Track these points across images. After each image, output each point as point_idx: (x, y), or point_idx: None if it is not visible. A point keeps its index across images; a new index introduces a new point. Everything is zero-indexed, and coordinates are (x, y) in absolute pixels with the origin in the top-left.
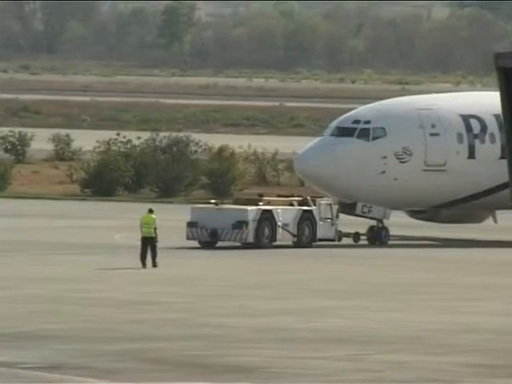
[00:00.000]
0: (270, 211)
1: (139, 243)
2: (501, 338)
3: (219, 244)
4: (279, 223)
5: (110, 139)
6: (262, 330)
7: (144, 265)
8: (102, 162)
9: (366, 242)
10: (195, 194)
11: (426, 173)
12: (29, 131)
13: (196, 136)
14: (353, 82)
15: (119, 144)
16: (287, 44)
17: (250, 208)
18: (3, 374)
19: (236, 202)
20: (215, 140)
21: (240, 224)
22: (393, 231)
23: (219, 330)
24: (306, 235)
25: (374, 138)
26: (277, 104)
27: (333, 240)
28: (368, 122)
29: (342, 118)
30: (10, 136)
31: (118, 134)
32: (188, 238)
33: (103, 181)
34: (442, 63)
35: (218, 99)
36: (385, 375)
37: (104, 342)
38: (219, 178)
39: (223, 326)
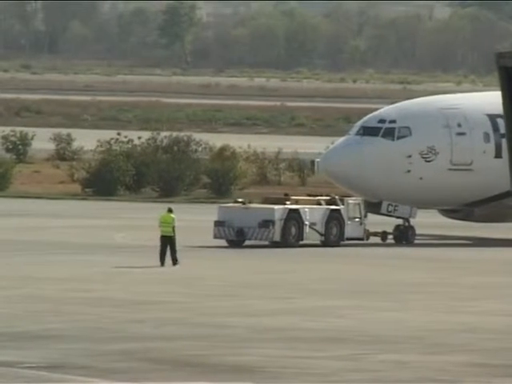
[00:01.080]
0: (296, 210)
1: (137, 243)
2: (501, 337)
3: (246, 243)
4: (306, 222)
5: (111, 139)
6: (262, 330)
7: (162, 263)
8: (103, 161)
9: (393, 241)
10: (196, 194)
11: (452, 172)
12: (30, 131)
13: (197, 135)
14: (354, 81)
15: (120, 143)
16: (288, 44)
17: (276, 207)
18: (4, 373)
19: (265, 202)
20: (216, 139)
21: (266, 223)
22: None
23: (219, 329)
24: (333, 234)
25: (399, 138)
26: (278, 104)
27: (361, 239)
28: (393, 122)
29: (367, 117)
30: (12, 135)
31: (118, 134)
32: (215, 237)
33: (104, 180)
34: (443, 63)
35: (219, 99)
36: (385, 375)
37: (104, 341)
38: (220, 177)
39: (223, 326)
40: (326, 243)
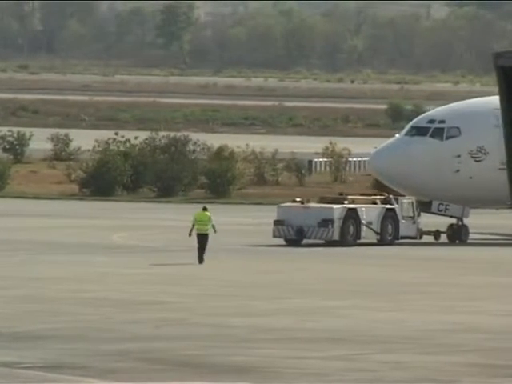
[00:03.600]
0: (354, 209)
1: (135, 243)
2: (498, 337)
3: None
4: (363, 221)
5: (109, 139)
6: (261, 330)
7: (200, 260)
8: (100, 161)
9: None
10: (194, 194)
11: (503, 171)
12: (27, 131)
13: (195, 135)
14: (352, 81)
15: (118, 144)
16: (286, 43)
17: (335, 206)
18: (1, 373)
19: (321, 201)
20: (214, 140)
21: (326, 222)
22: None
23: (218, 329)
24: (389, 233)
25: (448, 138)
26: (276, 103)
27: (414, 238)
28: (442, 122)
29: (418, 117)
30: (9, 136)
31: (116, 134)
32: (274, 236)
33: (102, 180)
34: (440, 62)
35: (216, 99)
36: (383, 375)
37: (103, 341)
38: (218, 177)
39: (222, 326)
40: (381, 242)
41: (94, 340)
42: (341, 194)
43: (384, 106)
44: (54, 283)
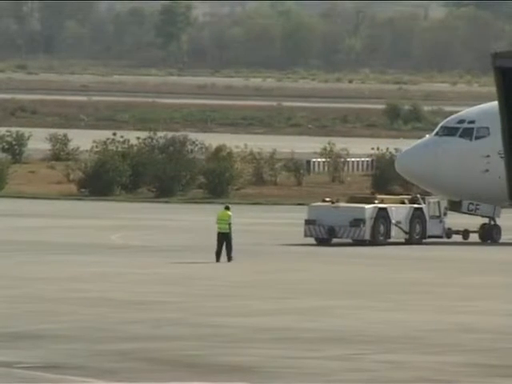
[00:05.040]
0: (385, 209)
1: (134, 243)
2: (497, 337)
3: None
4: (393, 221)
5: (107, 139)
6: (260, 330)
7: (218, 259)
8: (99, 161)
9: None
10: (192, 194)
11: None
12: (26, 131)
13: (193, 136)
14: (350, 81)
15: (116, 144)
16: (284, 44)
17: (367, 206)
18: (1, 373)
19: (351, 201)
20: (212, 140)
21: (357, 222)
22: None
23: (217, 329)
24: (416, 232)
25: (477, 138)
26: (274, 104)
27: (440, 237)
28: (472, 122)
29: (449, 118)
30: (7, 136)
31: (114, 134)
32: (306, 236)
33: (100, 181)
34: (438, 63)
35: (215, 99)
36: (383, 375)
37: (102, 341)
38: (216, 177)
39: (221, 326)
40: (409, 241)
41: (94, 340)
42: (373, 193)
43: (382, 106)
44: (53, 283)
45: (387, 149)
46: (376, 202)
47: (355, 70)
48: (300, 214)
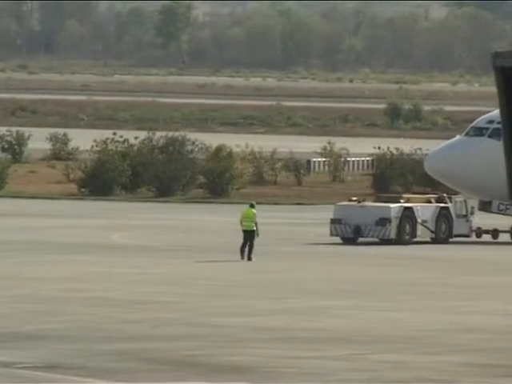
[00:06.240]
0: (410, 208)
1: (134, 243)
2: (498, 337)
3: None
4: (419, 220)
5: (107, 138)
6: (260, 330)
7: (242, 256)
8: (99, 161)
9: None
10: (192, 194)
11: None
12: (26, 131)
13: (193, 135)
14: (350, 81)
15: (116, 143)
16: (284, 43)
17: (392, 205)
18: (1, 373)
19: (377, 200)
20: (212, 139)
21: (383, 221)
22: None
23: (217, 329)
24: (443, 231)
25: None
26: (274, 103)
27: (467, 236)
28: None
29: (479, 118)
30: (8, 135)
31: (114, 134)
32: (332, 235)
33: (100, 180)
34: (439, 63)
35: (215, 98)
36: (383, 375)
37: (102, 341)
38: (217, 177)
39: (221, 326)
40: (435, 240)
41: (94, 340)
42: (399, 193)
43: (383, 106)
44: (53, 283)
45: (388, 148)
46: (401, 201)
47: (356, 70)
48: (300, 214)
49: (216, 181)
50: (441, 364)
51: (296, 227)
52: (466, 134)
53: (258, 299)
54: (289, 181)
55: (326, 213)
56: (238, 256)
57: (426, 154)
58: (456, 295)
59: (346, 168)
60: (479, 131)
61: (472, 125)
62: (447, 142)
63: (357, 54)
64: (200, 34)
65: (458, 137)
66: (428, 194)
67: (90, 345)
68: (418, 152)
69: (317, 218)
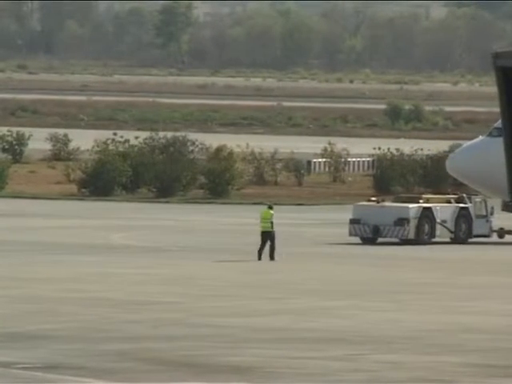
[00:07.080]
0: (429, 208)
1: (134, 243)
2: (497, 337)
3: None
4: (438, 220)
5: (108, 139)
6: (260, 330)
7: (260, 257)
8: (99, 161)
9: None
10: (193, 194)
11: None
12: (26, 131)
13: (193, 136)
14: (351, 81)
15: (116, 144)
16: (285, 44)
17: (411, 205)
18: (1, 374)
19: (397, 200)
20: (213, 140)
21: (402, 221)
22: None
23: (216, 329)
24: (462, 231)
25: None
26: (274, 104)
27: (487, 236)
28: None
29: None
30: (8, 135)
31: (114, 134)
32: (350, 235)
33: (100, 181)
34: (439, 63)
35: (215, 99)
36: (382, 375)
37: (101, 341)
38: (217, 177)
39: (220, 326)
40: (455, 240)
41: (93, 340)
42: (420, 194)
43: (383, 106)
44: (53, 283)
45: (388, 149)
46: (421, 201)
47: (356, 70)
48: (300, 215)
49: (216, 181)
50: (440, 364)
51: (296, 227)
52: (490, 135)
53: (258, 299)
54: (289, 181)
55: (327, 213)
56: (239, 256)
57: (448, 156)
58: (455, 295)
59: (346, 168)
60: (501, 132)
61: (495, 125)
62: (469, 142)
63: (357, 54)
64: (200, 34)
65: (480, 137)
66: (448, 194)
67: (89, 345)
68: (419, 152)
69: (316, 218)
